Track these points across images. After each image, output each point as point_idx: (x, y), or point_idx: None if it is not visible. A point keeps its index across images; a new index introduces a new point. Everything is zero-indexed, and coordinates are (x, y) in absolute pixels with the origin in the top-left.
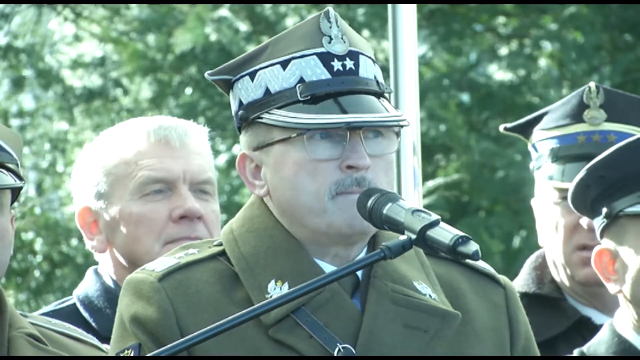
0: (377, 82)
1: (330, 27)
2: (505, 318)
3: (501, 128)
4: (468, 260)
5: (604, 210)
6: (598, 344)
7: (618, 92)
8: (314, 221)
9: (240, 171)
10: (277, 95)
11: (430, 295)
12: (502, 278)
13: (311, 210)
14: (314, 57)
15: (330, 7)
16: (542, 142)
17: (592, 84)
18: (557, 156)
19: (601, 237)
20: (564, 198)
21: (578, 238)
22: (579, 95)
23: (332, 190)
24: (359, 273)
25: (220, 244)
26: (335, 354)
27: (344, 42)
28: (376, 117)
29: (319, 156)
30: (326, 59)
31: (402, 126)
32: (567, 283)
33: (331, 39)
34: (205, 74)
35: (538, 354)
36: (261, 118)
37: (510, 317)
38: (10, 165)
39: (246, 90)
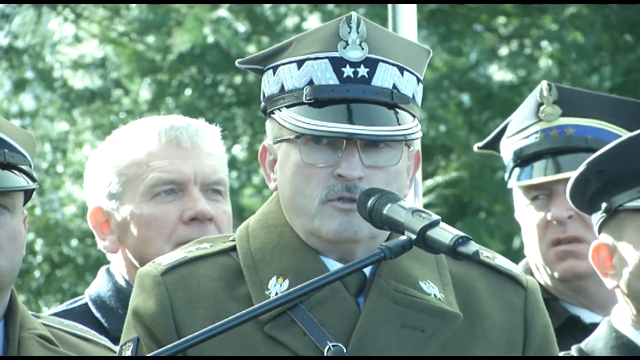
0: (393, 92)
1: (349, 32)
2: (521, 319)
3: (475, 148)
4: (490, 261)
5: (604, 205)
6: (596, 340)
7: (571, 88)
8: (306, 223)
9: (261, 161)
10: (288, 93)
11: (435, 295)
12: (527, 279)
13: (304, 212)
14: (326, 60)
15: (354, 13)
16: (507, 149)
17: (544, 83)
18: (520, 158)
19: (599, 232)
20: (533, 198)
21: (550, 234)
22: (533, 96)
23: (323, 196)
24: (367, 272)
25: (235, 239)
26: (325, 352)
27: (362, 48)
28: (375, 131)
29: (311, 161)
30: (337, 64)
31: (407, 140)
32: (550, 283)
33: (347, 44)
34: (236, 62)
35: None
36: (274, 113)
37: (526, 318)
38: (24, 167)
39: (268, 84)
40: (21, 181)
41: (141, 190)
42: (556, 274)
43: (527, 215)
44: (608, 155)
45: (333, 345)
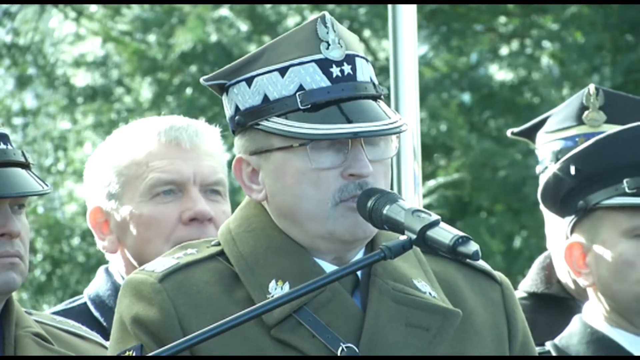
0: (374, 84)
1: (327, 33)
2: (502, 315)
3: (509, 133)
4: None
5: (580, 203)
6: (569, 336)
7: (618, 94)
8: (316, 228)
9: (237, 174)
10: (275, 102)
11: (430, 293)
12: (498, 275)
13: (314, 217)
14: (313, 64)
15: (326, 12)
16: (545, 145)
17: (591, 86)
18: (558, 159)
19: (572, 232)
20: None
21: None
22: (579, 97)
23: (336, 198)
24: (359, 272)
25: (219, 244)
26: (338, 354)
27: (341, 46)
28: (379, 126)
29: (321, 165)
30: (325, 65)
31: (401, 132)
32: (572, 286)
33: (329, 44)
34: (201, 80)
35: (535, 350)
36: (259, 125)
37: (507, 313)
38: (34, 170)
39: (243, 96)
40: (36, 182)
41: (141, 190)
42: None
43: (557, 215)
44: (583, 154)
45: (346, 347)
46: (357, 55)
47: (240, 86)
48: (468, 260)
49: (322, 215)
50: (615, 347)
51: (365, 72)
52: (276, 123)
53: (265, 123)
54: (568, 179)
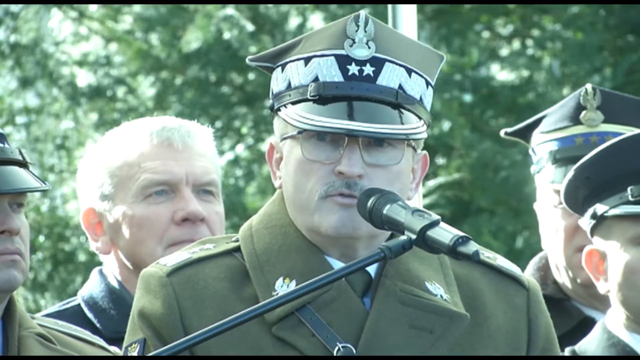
0: (398, 92)
1: (357, 31)
2: (524, 320)
3: (502, 133)
4: (492, 262)
5: (592, 211)
6: (588, 342)
7: (615, 93)
8: (307, 219)
9: (269, 159)
10: (293, 90)
11: (441, 296)
12: (528, 280)
13: (305, 208)
14: (332, 58)
15: (362, 12)
16: (541, 145)
17: (588, 86)
18: (556, 159)
19: (591, 236)
20: None
21: (578, 240)
22: (575, 97)
23: (322, 192)
24: (372, 272)
25: (238, 240)
26: (335, 353)
27: (369, 47)
28: (379, 129)
29: (312, 157)
30: (343, 61)
31: (409, 139)
32: (569, 285)
33: (354, 42)
34: (247, 59)
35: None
36: (280, 110)
37: (529, 319)
38: (30, 167)
39: (276, 81)
40: (34, 180)
41: (133, 191)
42: (578, 279)
43: (555, 216)
44: (592, 161)
45: (343, 346)
46: (390, 61)
47: (277, 71)
48: (496, 263)
49: (310, 207)
50: (629, 352)
51: (392, 78)
52: (288, 110)
53: (282, 109)
54: (581, 187)
